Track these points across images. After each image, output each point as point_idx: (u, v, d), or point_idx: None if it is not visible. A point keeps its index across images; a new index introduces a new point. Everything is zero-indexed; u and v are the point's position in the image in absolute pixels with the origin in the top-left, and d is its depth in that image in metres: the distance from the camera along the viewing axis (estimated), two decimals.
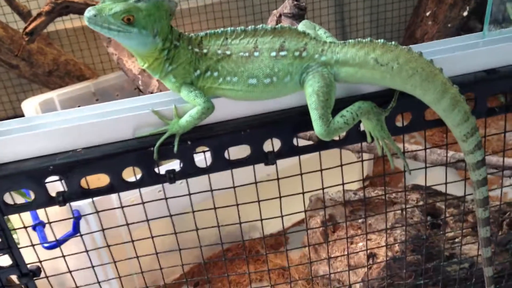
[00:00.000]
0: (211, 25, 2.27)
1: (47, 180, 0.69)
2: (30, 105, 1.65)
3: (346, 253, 1.23)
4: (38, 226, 1.22)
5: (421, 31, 2.20)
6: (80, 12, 1.56)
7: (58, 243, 0.86)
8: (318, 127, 0.68)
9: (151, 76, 1.43)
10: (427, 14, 2.18)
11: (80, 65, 1.91)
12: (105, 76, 1.82)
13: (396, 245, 1.15)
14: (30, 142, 0.68)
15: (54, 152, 0.69)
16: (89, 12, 0.62)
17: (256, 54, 0.69)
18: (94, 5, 1.66)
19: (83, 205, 1.11)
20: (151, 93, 1.41)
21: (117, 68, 2.17)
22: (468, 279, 1.10)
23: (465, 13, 2.08)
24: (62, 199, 0.70)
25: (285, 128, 0.74)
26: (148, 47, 0.66)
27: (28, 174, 0.68)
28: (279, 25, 0.70)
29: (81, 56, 2.16)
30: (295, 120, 0.74)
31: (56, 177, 0.70)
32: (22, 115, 2.25)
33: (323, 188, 0.83)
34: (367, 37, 2.26)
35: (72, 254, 0.83)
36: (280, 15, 1.07)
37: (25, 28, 1.49)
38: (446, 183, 0.88)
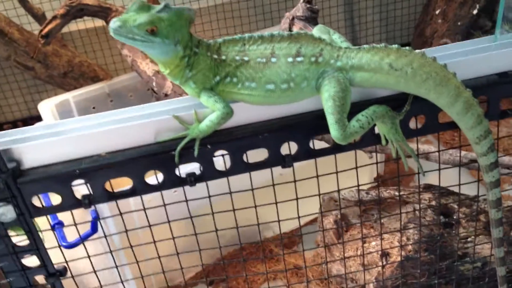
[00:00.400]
0: (222, 25, 2.29)
1: (73, 183, 0.72)
2: (47, 106, 1.68)
3: (359, 252, 1.25)
4: (58, 225, 1.26)
5: (431, 29, 2.20)
6: (94, 14, 1.59)
7: (81, 240, 0.89)
8: (334, 131, 0.70)
9: (165, 77, 1.45)
10: (437, 12, 2.19)
11: (94, 67, 1.94)
12: (119, 77, 1.84)
13: (409, 244, 1.16)
14: (58, 147, 0.71)
15: (80, 156, 0.72)
16: (114, 23, 0.64)
17: (273, 60, 0.71)
18: (107, 7, 1.68)
19: (101, 205, 1.14)
20: (166, 94, 1.43)
21: (129, 68, 2.20)
22: (481, 278, 1.12)
23: (475, 11, 2.08)
24: (87, 201, 0.73)
25: (301, 131, 0.76)
26: (170, 55, 0.68)
27: (55, 178, 0.70)
28: (295, 31, 0.72)
29: (94, 56, 2.19)
30: (311, 124, 0.76)
31: (82, 181, 0.72)
32: (38, 116, 2.28)
33: (338, 190, 0.85)
34: (377, 35, 2.28)
35: (97, 255, 0.85)
36: (293, 18, 1.09)
37: (41, 31, 1.52)
38: (459, 185, 0.90)
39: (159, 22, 0.65)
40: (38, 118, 2.26)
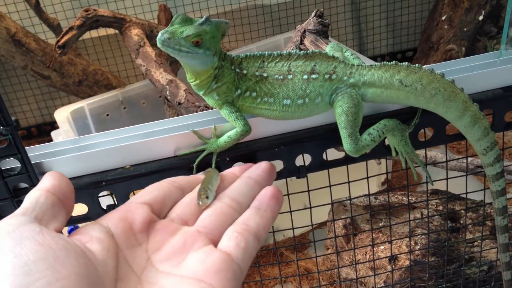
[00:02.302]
0: (231, 31, 2.33)
1: (99, 195, 0.76)
2: (62, 114, 1.72)
3: (367, 256, 1.29)
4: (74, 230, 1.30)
5: (437, 35, 2.23)
6: (109, 25, 1.63)
7: None
8: (347, 145, 0.74)
9: (178, 86, 1.50)
10: (443, 18, 2.22)
11: (108, 74, 1.99)
12: (132, 85, 1.89)
13: (417, 248, 1.20)
14: (85, 161, 0.75)
15: (106, 169, 0.76)
16: (163, 35, 0.67)
17: (290, 77, 0.75)
18: (121, 18, 1.72)
19: None
20: (179, 103, 1.47)
21: (140, 75, 2.25)
22: (487, 282, 1.15)
23: (481, 17, 2.12)
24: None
25: (315, 144, 0.80)
26: (207, 66, 0.72)
27: (84, 190, 0.74)
28: (310, 50, 0.76)
29: (106, 64, 2.24)
30: (324, 137, 0.80)
31: (107, 192, 0.77)
32: (51, 122, 2.34)
33: (350, 199, 0.89)
34: (383, 41, 2.32)
35: None
36: (305, 31, 1.13)
37: (57, 41, 1.57)
38: (466, 193, 0.93)
39: (204, 34, 0.68)
40: (52, 124, 2.31)
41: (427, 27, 2.33)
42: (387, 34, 2.53)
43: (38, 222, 0.38)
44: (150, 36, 1.68)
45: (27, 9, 2.04)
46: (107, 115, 1.81)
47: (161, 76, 1.51)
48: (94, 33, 2.20)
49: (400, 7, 2.47)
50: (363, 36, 2.58)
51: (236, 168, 0.57)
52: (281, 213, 0.87)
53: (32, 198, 0.41)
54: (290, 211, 0.87)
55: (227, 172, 0.56)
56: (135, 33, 1.62)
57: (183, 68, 0.77)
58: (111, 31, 2.13)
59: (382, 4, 2.46)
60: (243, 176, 0.54)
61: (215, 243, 0.44)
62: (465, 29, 2.15)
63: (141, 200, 0.48)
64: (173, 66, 1.69)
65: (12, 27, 1.80)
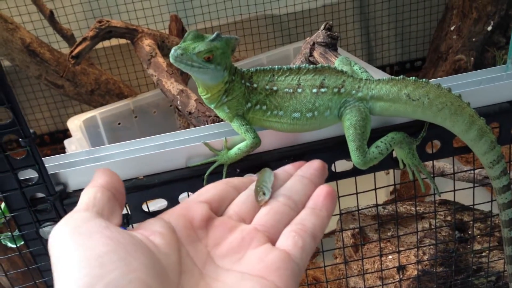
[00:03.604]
0: (241, 41, 2.35)
1: None
2: (75, 122, 1.75)
3: (376, 265, 1.30)
4: None
5: (446, 45, 2.24)
6: (122, 36, 1.66)
7: None
8: (355, 158, 0.75)
9: (189, 96, 1.52)
10: (452, 28, 2.23)
11: (119, 84, 2.02)
12: (143, 94, 1.91)
13: (425, 258, 1.20)
14: None
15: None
16: (176, 51, 0.69)
17: (299, 90, 0.76)
18: (134, 29, 1.75)
19: None
20: (190, 112, 1.49)
21: (151, 85, 2.28)
22: None
23: (489, 28, 2.12)
24: (126, 220, 0.79)
25: (324, 156, 0.81)
26: (218, 80, 0.74)
27: None
28: (319, 64, 0.77)
29: (118, 73, 2.28)
30: (332, 149, 0.81)
31: None
32: (63, 130, 2.38)
33: (358, 210, 0.90)
34: (392, 50, 2.32)
35: None
36: (314, 43, 1.15)
37: (71, 52, 1.60)
38: (473, 204, 0.94)
39: (215, 50, 0.70)
40: (64, 132, 2.35)
41: (436, 37, 2.34)
42: (395, 44, 2.54)
43: (101, 217, 0.40)
44: (162, 46, 1.71)
45: (41, 19, 2.08)
46: (119, 123, 1.84)
47: (172, 86, 1.54)
48: (106, 43, 2.23)
49: (409, 17, 2.48)
50: (372, 46, 2.60)
51: (289, 166, 0.58)
52: None
53: (90, 194, 0.43)
54: None
55: (281, 170, 0.58)
56: (147, 43, 1.65)
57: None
58: (123, 41, 2.16)
59: (391, 14, 2.48)
60: (296, 174, 0.55)
61: (272, 242, 0.46)
62: (473, 39, 2.16)
63: (199, 198, 0.49)
64: (184, 76, 1.71)
65: (27, 37, 1.84)
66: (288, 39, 2.38)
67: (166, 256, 0.39)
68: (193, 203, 0.48)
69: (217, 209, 0.49)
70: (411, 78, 0.76)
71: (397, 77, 0.76)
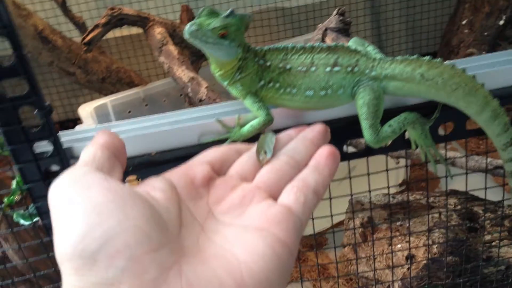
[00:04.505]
0: (251, 33, 2.36)
1: (126, 180, 0.79)
2: (86, 109, 1.76)
3: (384, 255, 1.30)
4: None
5: (457, 39, 2.23)
6: (133, 23, 1.67)
7: None
8: (368, 136, 0.75)
9: (199, 84, 1.52)
10: (463, 22, 2.22)
11: (130, 73, 2.03)
12: (153, 83, 1.92)
13: (435, 247, 1.20)
14: None
15: (133, 155, 0.79)
16: (190, 27, 0.69)
17: (312, 69, 0.76)
18: (145, 17, 1.76)
19: None
20: (200, 100, 1.50)
21: (161, 74, 2.29)
22: (505, 281, 1.15)
23: (501, 22, 2.11)
24: None
25: (335, 136, 0.80)
26: (232, 57, 0.74)
27: None
28: (333, 43, 0.77)
29: (129, 63, 2.29)
30: (344, 129, 0.81)
31: (134, 176, 0.79)
32: (74, 119, 2.39)
33: (370, 191, 0.90)
34: (403, 44, 2.31)
35: None
36: (326, 29, 1.15)
37: (83, 38, 1.61)
38: (485, 189, 0.94)
39: (230, 26, 0.71)
40: (74, 121, 2.36)
41: (447, 31, 2.33)
42: (406, 38, 2.54)
43: (101, 171, 0.41)
44: (173, 35, 1.71)
45: (53, 8, 2.09)
46: (129, 112, 1.85)
47: (183, 73, 1.54)
48: (117, 33, 2.24)
49: (420, 11, 2.47)
50: (383, 40, 2.59)
51: (291, 130, 0.58)
52: None
53: (90, 152, 0.43)
54: None
55: (283, 133, 0.58)
56: (158, 31, 1.65)
57: (204, 67, 0.79)
58: (133, 31, 2.17)
59: (402, 8, 2.47)
60: (298, 136, 0.55)
61: (274, 198, 0.46)
62: (485, 33, 2.15)
63: (201, 159, 0.50)
64: (195, 64, 1.72)
65: (39, 24, 1.85)
66: (299, 32, 2.38)
67: (166, 210, 0.40)
68: (195, 163, 0.49)
69: (219, 170, 0.50)
70: (425, 57, 0.76)
71: (411, 57, 0.76)
